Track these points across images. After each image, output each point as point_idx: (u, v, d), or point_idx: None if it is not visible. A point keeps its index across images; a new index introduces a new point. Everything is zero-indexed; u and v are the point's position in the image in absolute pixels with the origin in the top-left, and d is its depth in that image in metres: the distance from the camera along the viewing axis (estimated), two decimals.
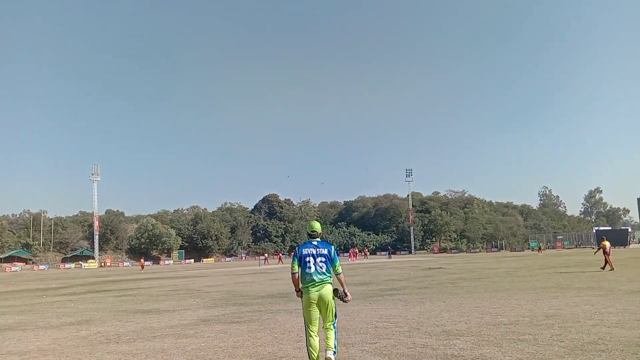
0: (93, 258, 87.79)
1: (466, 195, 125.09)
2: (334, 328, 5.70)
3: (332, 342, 5.61)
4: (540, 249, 64.82)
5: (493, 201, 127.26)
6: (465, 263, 37.77)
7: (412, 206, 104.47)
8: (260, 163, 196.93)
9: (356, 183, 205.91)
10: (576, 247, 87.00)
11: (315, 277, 5.58)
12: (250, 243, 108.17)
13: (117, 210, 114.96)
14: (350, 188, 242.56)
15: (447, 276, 22.26)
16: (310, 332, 5.65)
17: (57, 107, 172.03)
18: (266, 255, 70.11)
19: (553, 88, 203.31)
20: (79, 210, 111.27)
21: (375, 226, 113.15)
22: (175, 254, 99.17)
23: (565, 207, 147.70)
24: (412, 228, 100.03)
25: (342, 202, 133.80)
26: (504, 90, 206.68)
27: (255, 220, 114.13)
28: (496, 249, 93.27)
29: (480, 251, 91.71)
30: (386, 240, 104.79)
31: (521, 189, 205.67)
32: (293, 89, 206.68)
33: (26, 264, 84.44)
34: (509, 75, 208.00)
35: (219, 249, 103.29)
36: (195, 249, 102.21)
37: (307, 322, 5.68)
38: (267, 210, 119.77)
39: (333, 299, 5.70)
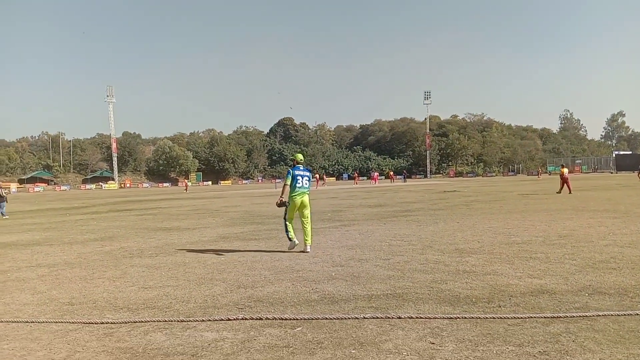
0: (113, 179, 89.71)
1: (485, 118, 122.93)
2: (310, 222, 8.49)
3: (309, 237, 8.34)
4: (539, 173, 65.17)
5: (512, 125, 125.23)
6: (481, 186, 37.88)
7: (430, 130, 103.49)
8: (276, 86, 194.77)
9: (373, 106, 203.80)
10: (594, 172, 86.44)
11: (301, 190, 8.36)
12: (266, 166, 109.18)
13: (134, 133, 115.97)
14: (367, 111, 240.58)
15: (462, 199, 22.40)
16: (289, 223, 8.42)
17: (73, 26, 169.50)
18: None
19: (576, 8, 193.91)
20: (97, 133, 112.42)
21: (391, 150, 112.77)
22: (192, 176, 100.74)
23: (586, 130, 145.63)
24: (428, 152, 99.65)
25: (358, 126, 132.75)
26: (526, 10, 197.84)
27: (271, 144, 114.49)
28: (513, 173, 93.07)
29: (496, 175, 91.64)
30: (402, 165, 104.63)
31: (542, 112, 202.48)
32: (308, 10, 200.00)
33: (48, 184, 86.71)
34: None
35: (235, 172, 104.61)
36: (213, 171, 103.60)
37: (289, 218, 8.43)
38: (282, 134, 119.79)
39: (309, 202, 8.53)
